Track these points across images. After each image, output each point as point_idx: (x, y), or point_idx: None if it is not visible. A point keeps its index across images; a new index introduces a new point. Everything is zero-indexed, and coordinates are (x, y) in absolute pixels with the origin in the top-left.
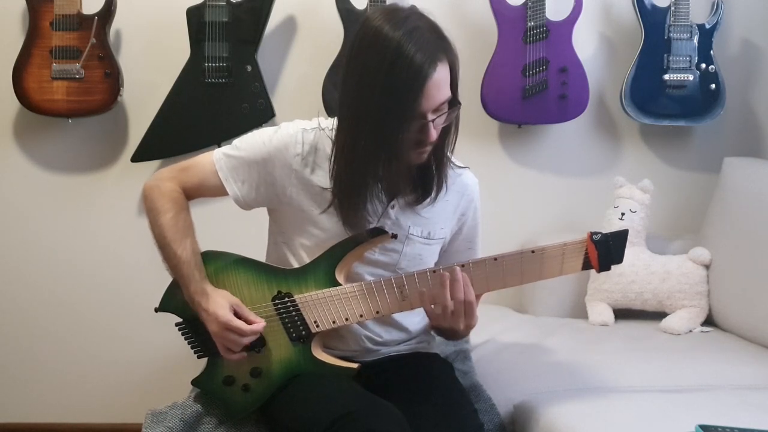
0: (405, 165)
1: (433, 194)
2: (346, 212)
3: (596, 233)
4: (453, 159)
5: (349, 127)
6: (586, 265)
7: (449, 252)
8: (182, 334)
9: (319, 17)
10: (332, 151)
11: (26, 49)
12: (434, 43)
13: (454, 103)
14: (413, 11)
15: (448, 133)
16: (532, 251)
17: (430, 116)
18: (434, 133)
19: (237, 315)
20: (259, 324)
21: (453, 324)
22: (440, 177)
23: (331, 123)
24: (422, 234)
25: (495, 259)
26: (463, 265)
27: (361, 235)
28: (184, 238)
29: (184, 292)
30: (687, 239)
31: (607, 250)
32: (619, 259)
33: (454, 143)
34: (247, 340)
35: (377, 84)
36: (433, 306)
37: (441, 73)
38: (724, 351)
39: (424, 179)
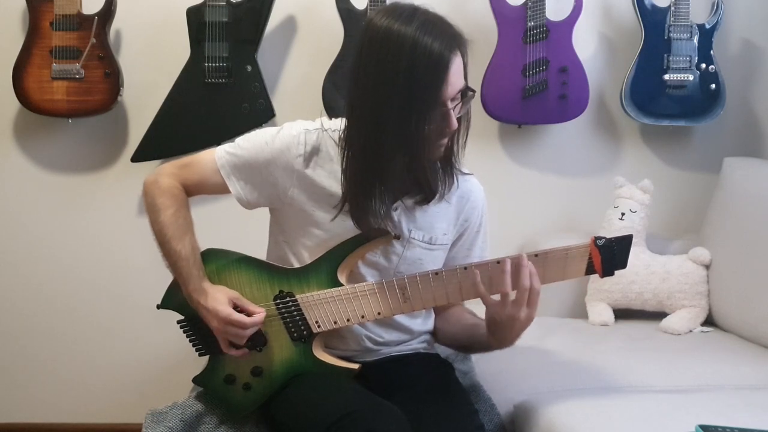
0: (426, 160)
1: (440, 191)
2: (358, 214)
3: (600, 238)
4: (458, 165)
5: (368, 128)
6: (590, 270)
7: (447, 257)
8: (184, 332)
9: (319, 17)
10: (343, 154)
11: (26, 49)
12: (447, 32)
13: (466, 91)
14: (417, 7)
15: (458, 127)
16: (535, 255)
17: (449, 105)
18: (455, 122)
19: (236, 308)
20: (260, 314)
21: (513, 312)
22: (447, 173)
23: (334, 124)
24: (423, 238)
25: (498, 262)
26: (465, 268)
27: (364, 236)
28: (184, 235)
29: (183, 290)
30: (687, 239)
31: (611, 255)
32: (622, 265)
33: (466, 137)
34: (250, 332)
35: (398, 79)
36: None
37: (458, 60)
38: (724, 351)
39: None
